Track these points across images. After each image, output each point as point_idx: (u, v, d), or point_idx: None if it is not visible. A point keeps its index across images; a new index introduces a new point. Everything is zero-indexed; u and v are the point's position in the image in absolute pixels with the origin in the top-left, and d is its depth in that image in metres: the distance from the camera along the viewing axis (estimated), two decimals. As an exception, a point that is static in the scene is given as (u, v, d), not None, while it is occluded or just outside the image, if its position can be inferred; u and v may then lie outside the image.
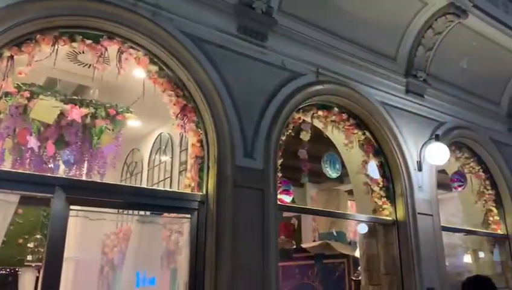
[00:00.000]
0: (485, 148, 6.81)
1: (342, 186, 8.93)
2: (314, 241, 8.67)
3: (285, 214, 8.90)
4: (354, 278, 7.13)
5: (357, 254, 6.61)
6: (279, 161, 4.63)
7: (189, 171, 4.13)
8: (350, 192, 8.02)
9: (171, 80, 4.12)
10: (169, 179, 6.01)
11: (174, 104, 4.11)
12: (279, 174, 4.63)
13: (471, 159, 6.80)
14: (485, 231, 6.73)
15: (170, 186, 5.78)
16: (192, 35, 4.15)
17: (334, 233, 8.30)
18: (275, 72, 4.67)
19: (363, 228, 5.72)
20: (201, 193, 3.99)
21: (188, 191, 4.04)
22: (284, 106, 4.58)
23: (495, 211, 6.83)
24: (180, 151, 5.76)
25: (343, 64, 5.31)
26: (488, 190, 6.87)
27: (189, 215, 3.93)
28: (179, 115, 4.09)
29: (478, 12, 5.81)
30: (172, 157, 6.15)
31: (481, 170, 6.87)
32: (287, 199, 4.76)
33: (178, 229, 4.78)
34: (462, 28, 5.94)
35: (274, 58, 4.69)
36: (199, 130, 4.14)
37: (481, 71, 6.75)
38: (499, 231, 6.76)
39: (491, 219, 6.79)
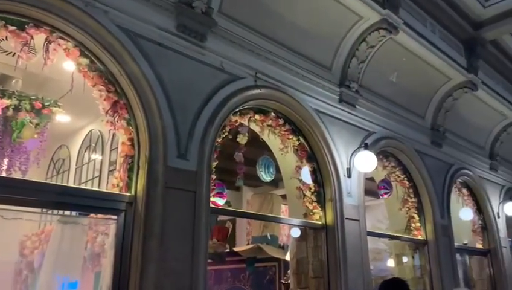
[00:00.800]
0: (409, 158, 7.22)
1: (277, 190, 9.07)
2: (247, 244, 8.71)
3: (221, 217, 8.88)
4: (283, 282, 7.24)
5: (288, 257, 6.73)
6: (214, 163, 4.60)
7: (117, 170, 3.96)
8: (284, 196, 8.16)
9: (102, 75, 3.94)
10: (98, 178, 5.77)
11: (105, 100, 3.93)
12: (214, 177, 4.59)
13: (397, 168, 7.19)
14: (407, 236, 7.12)
15: (99, 186, 5.54)
16: (128, 30, 4.01)
17: (269, 237, 8.40)
18: (213, 73, 4.64)
19: (295, 232, 5.84)
20: (129, 194, 3.84)
21: (116, 191, 3.88)
22: (221, 108, 4.55)
23: (417, 218, 7.26)
24: (111, 150, 5.54)
25: (281, 71, 5.40)
26: (411, 197, 7.30)
27: (115, 217, 3.76)
28: (109, 112, 3.92)
29: (408, 29, 6.17)
30: (102, 156, 5.91)
31: (406, 179, 7.28)
32: (220, 201, 4.73)
33: (104, 231, 4.59)
34: (393, 44, 6.27)
35: (213, 60, 4.65)
36: (130, 128, 3.99)
37: (409, 86, 7.17)
38: (420, 237, 7.19)
39: (413, 225, 7.20)
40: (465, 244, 8.62)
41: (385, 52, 6.31)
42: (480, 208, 8.98)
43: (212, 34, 4.63)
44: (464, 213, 8.45)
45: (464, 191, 8.83)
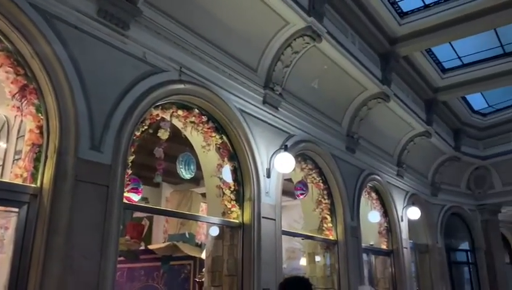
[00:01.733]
0: (325, 161, 7.56)
1: (198, 188, 8.99)
2: (164, 242, 8.53)
3: (138, 214, 8.59)
4: (198, 280, 7.20)
5: (204, 255, 6.70)
6: (131, 158, 4.44)
7: (22, 159, 3.65)
8: (205, 194, 8.11)
9: (10, 55, 3.62)
10: (0, 167, 5.27)
11: (12, 83, 3.61)
12: (129, 172, 4.43)
13: (314, 171, 7.49)
14: (319, 236, 7.45)
15: (1, 176, 5.06)
16: (44, 11, 3.72)
17: (187, 235, 8.29)
18: (134, 63, 4.47)
19: (214, 230, 5.82)
20: (34, 185, 3.56)
21: (19, 181, 3.57)
22: (141, 100, 4.40)
23: (329, 218, 7.62)
24: (17, 138, 5.10)
25: (206, 67, 5.35)
26: (325, 199, 7.64)
27: (17, 209, 3.47)
28: (17, 96, 3.60)
29: (330, 39, 6.45)
30: (7, 144, 5.41)
31: (321, 181, 7.61)
32: (135, 197, 4.57)
33: (4, 225, 4.21)
34: (316, 51, 6.52)
35: (135, 50, 4.48)
36: (40, 115, 3.70)
37: (328, 93, 7.51)
38: (331, 237, 7.55)
39: (325, 225, 7.55)
40: (371, 245, 9.21)
41: (308, 59, 6.54)
42: (387, 211, 9.66)
43: (136, 23, 4.46)
44: (372, 216, 9.03)
45: (373, 195, 9.44)
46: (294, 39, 6.04)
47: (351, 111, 8.22)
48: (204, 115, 5.46)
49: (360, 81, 7.67)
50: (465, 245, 13.36)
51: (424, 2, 7.50)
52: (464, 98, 11.20)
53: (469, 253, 13.25)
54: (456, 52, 9.10)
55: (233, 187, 5.70)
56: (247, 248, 5.49)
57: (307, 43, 6.16)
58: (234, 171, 5.77)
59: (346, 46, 6.90)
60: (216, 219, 5.56)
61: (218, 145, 5.68)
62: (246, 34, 5.77)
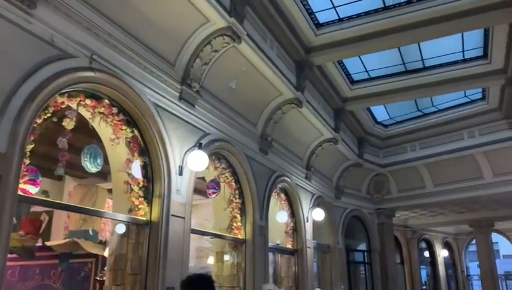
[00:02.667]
0: (239, 161, 7.66)
1: (106, 183, 8.55)
2: (65, 239, 7.98)
3: (36, 208, 7.94)
4: (99, 279, 6.85)
5: (107, 253, 6.40)
6: (30, 146, 4.10)
7: None
8: (111, 190, 7.76)
9: None
10: None
11: None
12: (27, 161, 4.09)
13: (227, 170, 7.55)
14: (228, 235, 7.52)
15: None
16: None
17: (90, 232, 7.84)
18: (40, 46, 4.14)
19: (120, 228, 5.58)
20: None
21: None
22: (45, 86, 4.08)
23: (239, 218, 7.73)
24: None
25: (121, 57, 5.13)
26: (236, 198, 7.74)
27: None
28: None
29: (250, 41, 6.55)
30: None
31: (233, 181, 7.70)
32: (32, 190, 4.23)
33: None
34: (235, 52, 6.58)
35: (41, 31, 4.15)
36: None
37: (246, 94, 7.62)
38: (239, 236, 7.67)
39: (234, 224, 7.64)
40: (278, 244, 9.52)
41: (228, 59, 6.58)
42: (294, 212, 10.06)
43: (44, 2, 4.13)
44: (280, 216, 9.35)
45: (282, 195, 9.78)
46: (215, 38, 6.03)
47: (266, 114, 8.42)
48: (115, 107, 5.22)
49: (276, 86, 7.89)
50: (362, 246, 14.40)
51: (338, 16, 7.94)
52: (369, 109, 12.07)
53: (366, 253, 14.30)
54: (364, 66, 9.78)
55: (142, 183, 5.53)
56: (153, 246, 5.36)
57: (227, 43, 6.19)
58: (144, 167, 5.60)
59: (265, 50, 7.06)
60: (122, 216, 5.35)
61: (128, 139, 5.47)
62: (165, 26, 5.63)
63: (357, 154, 12.58)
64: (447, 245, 22.82)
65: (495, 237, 21.49)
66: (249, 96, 7.77)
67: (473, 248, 22.59)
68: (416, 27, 7.57)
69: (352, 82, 10.35)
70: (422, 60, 9.50)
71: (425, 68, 9.77)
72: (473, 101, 11.75)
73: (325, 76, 9.66)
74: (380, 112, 12.37)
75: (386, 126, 13.18)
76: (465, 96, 11.58)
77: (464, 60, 9.45)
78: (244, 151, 7.81)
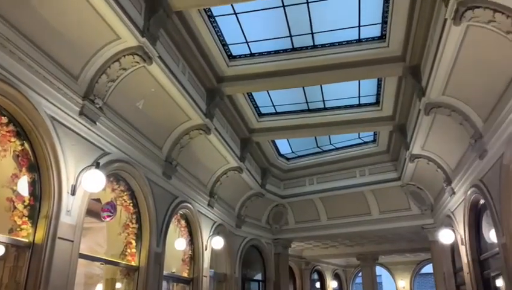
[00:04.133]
0: (139, 185, 7.41)
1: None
2: None
3: None
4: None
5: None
6: None
7: None
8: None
9: None
10: None
11: None
12: None
13: (126, 193, 7.24)
14: (121, 261, 7.14)
15: None
16: None
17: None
18: None
19: (-1, 249, 5.01)
20: None
21: None
22: None
23: (134, 243, 7.40)
24: None
25: (18, 64, 4.77)
26: (133, 223, 7.42)
27: None
28: None
29: (161, 64, 6.49)
30: None
31: (131, 204, 7.40)
32: None
33: None
34: (145, 72, 6.47)
35: None
36: None
37: (153, 116, 7.48)
38: (133, 263, 7.32)
39: (129, 250, 7.29)
40: (173, 272, 9.26)
41: (136, 78, 6.44)
42: (193, 239, 9.92)
43: None
44: (178, 243, 9.14)
45: (182, 222, 9.61)
46: (124, 56, 5.90)
47: (173, 138, 8.32)
48: (4, 116, 4.80)
49: (185, 110, 7.88)
50: (258, 276, 14.59)
51: (250, 51, 8.27)
52: (274, 142, 12.55)
53: (261, 283, 14.49)
54: (272, 101, 10.22)
55: (28, 202, 5.07)
56: (34, 271, 4.89)
57: (137, 62, 6.08)
58: (32, 184, 5.16)
59: (176, 74, 7.05)
60: (0, 236, 4.81)
61: (17, 153, 5.03)
62: (72, 39, 5.37)
63: (260, 185, 12.91)
64: (336, 276, 24.09)
65: (379, 270, 23.27)
66: (156, 118, 7.64)
67: (359, 279, 24.12)
68: (318, 70, 8.17)
69: (260, 114, 10.74)
70: (324, 100, 10.22)
71: (325, 109, 10.52)
72: (365, 143, 12.85)
73: (235, 106, 9.90)
74: (283, 145, 12.93)
75: (288, 159, 13.78)
76: (359, 137, 12.63)
77: (359, 105, 10.37)
78: (146, 174, 7.59)
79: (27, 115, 4.94)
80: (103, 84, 5.98)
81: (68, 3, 5.02)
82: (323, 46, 8.05)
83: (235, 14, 7.33)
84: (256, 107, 10.46)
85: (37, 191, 5.20)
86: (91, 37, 5.56)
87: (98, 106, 6.02)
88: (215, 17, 7.32)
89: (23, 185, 5.08)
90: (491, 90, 6.21)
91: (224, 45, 8.00)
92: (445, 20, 5.61)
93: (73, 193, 5.53)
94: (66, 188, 5.41)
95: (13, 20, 4.63)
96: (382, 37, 7.75)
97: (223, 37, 7.79)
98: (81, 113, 5.79)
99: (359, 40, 7.92)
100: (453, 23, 5.44)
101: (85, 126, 5.92)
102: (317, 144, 12.91)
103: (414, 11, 6.72)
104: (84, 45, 5.58)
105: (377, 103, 10.17)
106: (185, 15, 6.89)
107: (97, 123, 6.14)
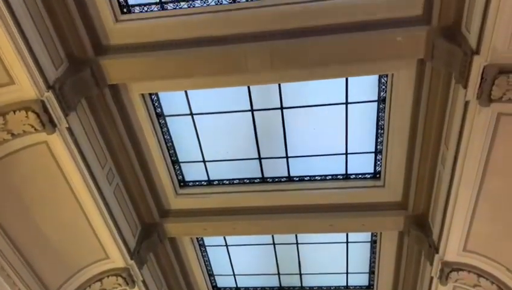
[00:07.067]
0: None
1: None
2: None
3: None
4: None
5: None
6: None
7: None
8: None
9: None
10: None
11: None
12: None
13: None
14: None
15: None
16: None
17: None
18: None
19: None
20: None
21: None
22: None
23: None
24: None
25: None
26: None
27: None
28: None
29: (143, 287, 6.21)
30: None
31: None
32: None
33: None
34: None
35: None
36: None
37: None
38: None
39: None
40: None
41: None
42: None
43: None
44: None
45: None
46: (108, 276, 5.72)
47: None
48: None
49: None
50: None
51: (236, 285, 8.07)
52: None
53: None
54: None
55: None
56: None
57: (119, 284, 5.86)
58: None
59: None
60: None
61: None
62: (61, 251, 5.26)
63: None
64: None
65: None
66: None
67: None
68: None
69: None
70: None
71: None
72: None
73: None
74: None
75: None
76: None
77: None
78: None
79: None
80: (77, 301, 5.59)
81: (69, 218, 5.15)
82: (310, 288, 7.91)
83: (226, 246, 7.47)
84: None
85: None
86: (81, 253, 5.50)
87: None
88: (206, 247, 7.43)
89: None
90: None
91: (211, 275, 7.88)
92: (432, 278, 5.67)
93: None
94: None
95: (12, 234, 4.67)
96: (370, 287, 7.66)
97: (210, 267, 7.74)
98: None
99: (347, 288, 7.79)
100: (440, 282, 5.48)
101: None
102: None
103: (400, 267, 6.82)
104: (70, 261, 5.44)
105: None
106: (177, 241, 6.99)
107: None
